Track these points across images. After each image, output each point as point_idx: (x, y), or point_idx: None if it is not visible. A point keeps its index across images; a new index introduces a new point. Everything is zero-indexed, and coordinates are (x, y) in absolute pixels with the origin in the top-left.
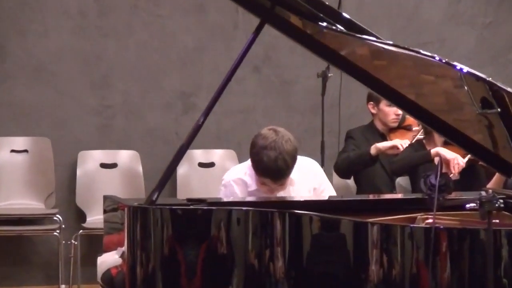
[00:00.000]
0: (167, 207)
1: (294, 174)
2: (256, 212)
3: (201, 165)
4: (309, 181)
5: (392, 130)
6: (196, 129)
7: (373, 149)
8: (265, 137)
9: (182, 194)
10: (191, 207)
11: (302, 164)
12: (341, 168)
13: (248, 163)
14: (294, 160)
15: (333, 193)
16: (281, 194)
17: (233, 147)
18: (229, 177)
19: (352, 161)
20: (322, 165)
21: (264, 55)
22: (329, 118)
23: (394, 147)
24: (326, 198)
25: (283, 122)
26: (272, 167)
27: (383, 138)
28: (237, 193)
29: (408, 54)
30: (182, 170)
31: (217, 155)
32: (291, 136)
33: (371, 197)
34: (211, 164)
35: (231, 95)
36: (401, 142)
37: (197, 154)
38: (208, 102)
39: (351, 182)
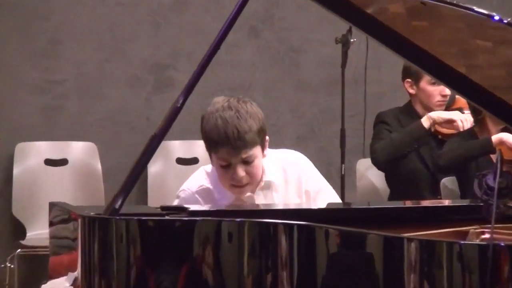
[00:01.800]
0: (135, 217)
1: (275, 176)
2: (254, 224)
3: (181, 161)
4: (298, 182)
5: None
6: (173, 114)
7: (425, 120)
8: (214, 103)
9: (155, 200)
10: (167, 217)
11: (284, 160)
12: (385, 157)
13: (205, 168)
14: (256, 120)
15: (333, 195)
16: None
17: None
18: (191, 188)
19: (399, 143)
20: (342, 161)
21: (264, 13)
22: (352, 98)
23: (452, 122)
24: (341, 204)
25: (290, 102)
26: (224, 127)
27: None
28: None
29: (458, 11)
30: (155, 168)
31: (201, 148)
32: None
33: (407, 204)
34: (193, 160)
35: (220, 68)
36: (462, 117)
37: (175, 147)
38: (189, 77)
39: (380, 184)
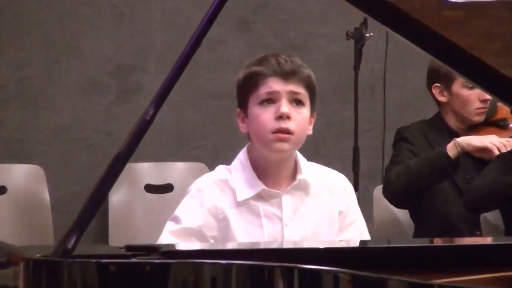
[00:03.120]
0: (93, 260)
1: (312, 179)
2: (244, 267)
3: (151, 188)
4: (334, 199)
5: (475, 127)
6: (142, 128)
7: (451, 148)
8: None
9: (118, 237)
10: (134, 260)
11: (325, 174)
12: (399, 189)
13: (231, 165)
14: (310, 71)
15: (364, 230)
16: (290, 217)
17: (205, 157)
18: (206, 178)
19: (416, 173)
20: (356, 187)
21: (257, 0)
22: (368, 107)
23: (486, 150)
24: (356, 242)
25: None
26: (275, 55)
27: None
28: (219, 203)
29: None
30: (118, 197)
31: (177, 172)
32: None
33: (437, 242)
34: (166, 187)
35: (201, 70)
36: (499, 143)
37: (144, 171)
38: (161, 81)
39: (403, 216)
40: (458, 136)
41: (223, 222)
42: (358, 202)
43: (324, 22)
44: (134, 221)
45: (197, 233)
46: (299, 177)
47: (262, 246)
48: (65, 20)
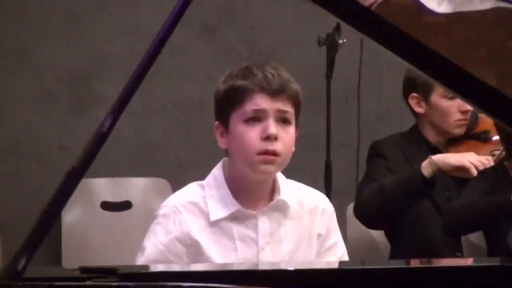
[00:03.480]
0: (45, 283)
1: (292, 199)
2: None
3: (107, 206)
4: (313, 221)
5: (455, 141)
6: (98, 141)
7: (426, 167)
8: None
9: (72, 259)
10: (89, 283)
11: (305, 194)
12: (371, 210)
13: (204, 182)
14: (296, 84)
15: (344, 256)
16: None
17: (167, 172)
18: (173, 202)
19: (389, 194)
20: None
21: (223, 4)
22: (341, 119)
23: (464, 169)
24: (334, 263)
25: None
26: (261, 68)
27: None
28: (187, 228)
29: (487, 2)
30: (72, 215)
31: (136, 188)
32: None
33: (415, 263)
34: (124, 205)
35: (162, 79)
36: (477, 159)
37: (100, 187)
38: (119, 91)
39: (379, 236)
40: (438, 151)
41: (192, 248)
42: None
43: (294, 28)
44: (89, 241)
45: (163, 262)
46: (277, 197)
47: (231, 268)
48: (16, 24)
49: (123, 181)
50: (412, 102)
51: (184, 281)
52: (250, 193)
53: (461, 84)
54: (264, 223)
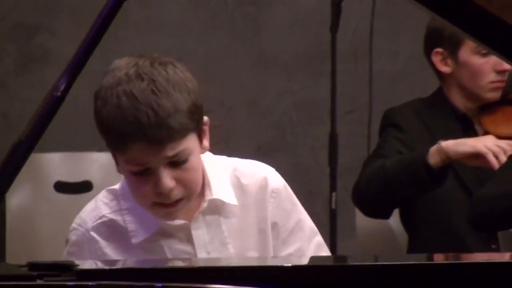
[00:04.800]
0: None
1: (227, 194)
2: None
3: (62, 187)
4: (262, 209)
5: (489, 107)
6: (50, 108)
7: (433, 154)
8: (114, 69)
9: (18, 252)
10: (40, 282)
11: (243, 172)
12: (369, 195)
13: (118, 188)
14: (184, 93)
15: (317, 240)
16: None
17: None
18: (85, 224)
19: (390, 178)
20: (333, 187)
21: None
22: (349, 82)
23: (479, 156)
24: (327, 259)
25: (246, 90)
26: (133, 109)
27: (466, 125)
28: (101, 256)
29: None
30: (18, 198)
31: (97, 165)
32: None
33: (437, 259)
34: (83, 186)
35: (128, 32)
36: (495, 143)
37: (53, 164)
38: (75, 46)
39: (395, 224)
40: (467, 120)
41: None
42: (336, 206)
43: None
44: (40, 230)
45: None
46: (209, 198)
47: (205, 264)
48: None
49: (81, 157)
50: (436, 59)
51: (155, 280)
52: None
53: (498, 37)
54: (199, 230)
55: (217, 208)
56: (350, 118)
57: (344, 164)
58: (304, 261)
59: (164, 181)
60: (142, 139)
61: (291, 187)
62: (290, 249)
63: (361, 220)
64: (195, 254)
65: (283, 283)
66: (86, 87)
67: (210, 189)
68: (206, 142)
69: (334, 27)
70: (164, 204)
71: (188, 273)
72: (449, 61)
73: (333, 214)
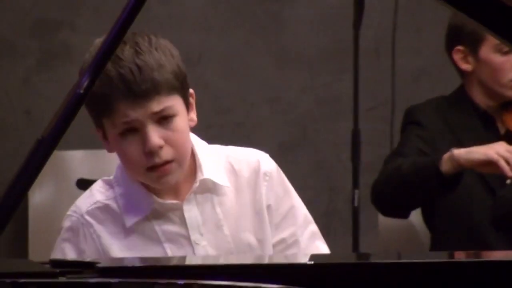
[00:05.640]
0: (7, 280)
1: (220, 176)
2: None
3: (84, 184)
4: (256, 190)
5: (510, 105)
6: (73, 105)
7: (446, 161)
8: (94, 45)
9: (41, 249)
10: (62, 279)
11: (236, 157)
12: (383, 195)
13: (112, 177)
14: (168, 56)
15: (310, 225)
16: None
17: None
18: (79, 210)
19: (405, 179)
20: (355, 184)
21: None
22: (372, 78)
23: (491, 162)
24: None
25: (267, 86)
26: (116, 66)
27: (488, 122)
28: (101, 244)
29: None
30: (41, 195)
31: (119, 162)
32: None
33: (459, 256)
34: None
35: (153, 27)
36: (508, 149)
37: (76, 161)
38: (104, 42)
39: (418, 221)
40: (489, 117)
41: None
42: (358, 203)
43: None
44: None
45: None
46: (200, 178)
47: (226, 261)
48: None
49: (104, 154)
50: (457, 57)
51: (178, 278)
52: None
53: None
54: (191, 212)
55: (209, 189)
56: (373, 115)
57: (367, 161)
58: (326, 259)
59: (152, 137)
60: (128, 95)
61: (313, 184)
62: (283, 234)
63: (384, 217)
64: (188, 236)
65: (305, 281)
66: None
67: (201, 171)
68: (193, 115)
69: (356, 23)
70: (156, 167)
71: (209, 270)
72: (469, 58)
73: (355, 211)
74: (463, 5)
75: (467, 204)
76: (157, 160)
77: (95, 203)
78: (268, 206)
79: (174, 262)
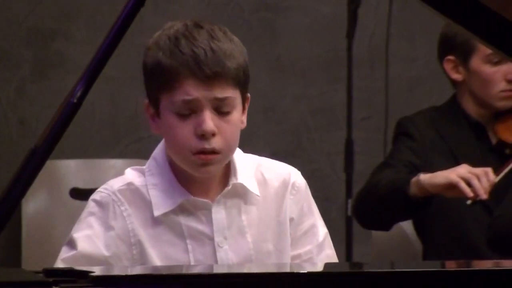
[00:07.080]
0: None
1: (251, 182)
2: None
3: (77, 193)
4: (282, 203)
5: (502, 115)
6: (66, 114)
7: (413, 186)
8: (167, 27)
9: (34, 258)
10: None
11: (267, 167)
12: (364, 209)
13: (145, 167)
14: (239, 49)
15: (326, 241)
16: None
17: (148, 152)
18: (111, 188)
19: (380, 196)
20: (348, 193)
21: None
22: (365, 88)
23: (454, 186)
24: (342, 265)
25: (261, 95)
26: (190, 44)
27: (480, 133)
28: (131, 224)
29: None
30: (34, 204)
31: (112, 172)
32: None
33: (450, 265)
34: None
35: (145, 36)
36: (468, 170)
37: (69, 170)
38: (92, 52)
39: (411, 230)
40: (480, 127)
41: (137, 248)
42: (352, 213)
43: None
44: (55, 236)
45: (100, 263)
46: (233, 181)
47: (221, 270)
48: None
49: (97, 163)
50: (448, 66)
51: (176, 285)
52: (200, 179)
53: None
54: (219, 214)
55: (239, 194)
56: (367, 124)
57: (360, 170)
58: (320, 267)
59: (208, 121)
60: (196, 74)
61: None
62: (301, 250)
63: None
64: (212, 237)
65: None
66: (103, 94)
67: (235, 175)
68: (244, 118)
69: (350, 33)
70: (203, 152)
71: (205, 279)
72: (460, 68)
73: (349, 221)
74: (456, 14)
75: (458, 215)
76: (207, 146)
77: (128, 184)
78: (291, 219)
79: (166, 272)
